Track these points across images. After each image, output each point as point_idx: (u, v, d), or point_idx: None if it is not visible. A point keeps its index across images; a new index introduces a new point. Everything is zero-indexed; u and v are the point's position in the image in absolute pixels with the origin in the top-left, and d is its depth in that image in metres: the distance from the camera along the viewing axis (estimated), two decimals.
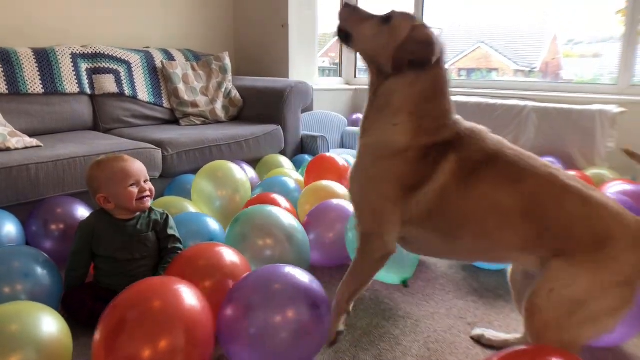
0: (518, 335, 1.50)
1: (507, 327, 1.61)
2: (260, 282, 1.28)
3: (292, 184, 2.45)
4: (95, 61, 3.00)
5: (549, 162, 1.25)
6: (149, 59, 3.25)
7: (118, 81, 3.06)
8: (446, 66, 1.29)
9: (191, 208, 2.13)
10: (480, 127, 1.29)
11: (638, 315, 1.34)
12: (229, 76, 3.49)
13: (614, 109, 2.89)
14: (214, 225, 1.94)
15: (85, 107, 2.95)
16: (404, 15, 1.29)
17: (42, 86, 2.76)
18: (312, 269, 1.94)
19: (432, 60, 1.22)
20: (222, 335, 1.25)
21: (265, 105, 3.30)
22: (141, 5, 3.54)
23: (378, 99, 1.29)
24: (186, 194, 2.36)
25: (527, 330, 1.18)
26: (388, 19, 1.28)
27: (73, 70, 2.89)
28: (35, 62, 2.75)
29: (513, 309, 1.72)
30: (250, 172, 2.73)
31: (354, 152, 3.64)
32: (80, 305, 1.51)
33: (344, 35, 1.34)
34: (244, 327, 1.21)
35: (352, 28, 1.32)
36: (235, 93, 3.44)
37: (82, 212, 2.01)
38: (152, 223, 1.66)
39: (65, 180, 2.15)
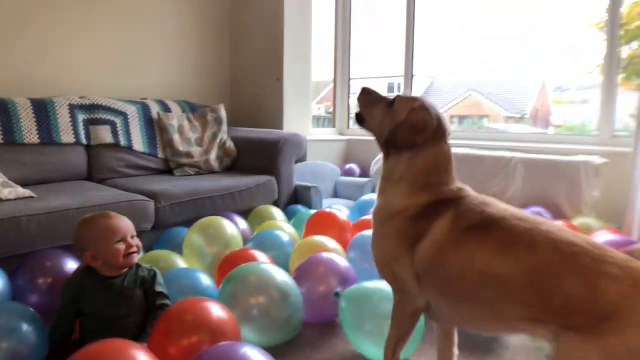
0: None
1: None
2: None
3: (285, 237, 2.44)
4: (93, 112, 3.07)
5: (560, 231, 1.18)
6: (145, 110, 3.33)
7: (114, 132, 3.12)
8: (446, 144, 1.37)
9: (181, 262, 2.12)
10: (491, 198, 1.32)
11: None
12: (224, 127, 3.56)
13: (597, 159, 2.97)
14: (206, 281, 1.93)
15: (80, 157, 2.99)
16: (406, 99, 1.40)
17: (38, 136, 2.80)
18: (302, 328, 1.92)
19: (416, 144, 1.32)
20: None
21: (259, 156, 3.35)
22: (139, 58, 3.65)
23: (385, 172, 1.42)
24: (175, 247, 2.35)
25: None
26: (392, 102, 1.41)
27: (70, 121, 2.95)
28: (33, 113, 2.81)
29: None
30: (242, 224, 2.74)
31: (347, 202, 3.65)
32: None
33: (360, 118, 1.50)
34: None
35: (367, 112, 1.48)
36: (229, 143, 3.50)
37: (71, 265, 2.00)
38: (140, 280, 1.65)
39: (57, 232, 2.15)
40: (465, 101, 6.81)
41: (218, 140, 3.47)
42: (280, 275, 1.81)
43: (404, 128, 1.34)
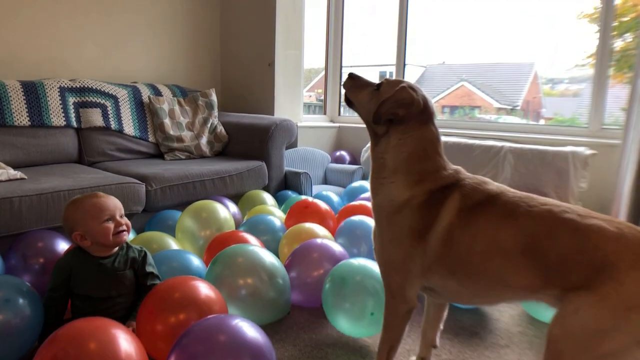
0: None
1: None
2: (206, 332, 1.26)
3: (277, 222, 2.46)
4: (83, 95, 3.06)
5: (554, 201, 1.25)
6: (136, 93, 3.32)
7: (105, 115, 3.11)
8: (433, 127, 1.38)
9: (173, 244, 2.14)
10: (484, 178, 1.36)
11: None
12: (215, 112, 3.56)
13: (586, 150, 3.01)
14: (196, 262, 1.95)
15: (71, 140, 2.98)
16: (393, 82, 1.41)
17: (28, 118, 2.79)
18: (291, 308, 1.96)
19: (400, 116, 1.34)
20: None
21: (250, 142, 3.36)
22: (130, 41, 3.63)
23: (376, 161, 1.42)
24: (167, 229, 2.37)
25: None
26: (379, 86, 1.42)
27: (60, 104, 2.93)
28: (23, 95, 2.79)
29: (487, 346, 1.76)
30: (233, 208, 2.76)
31: (337, 188, 3.68)
32: None
33: (348, 102, 1.51)
34: None
35: (353, 96, 1.49)
36: (220, 129, 3.51)
37: (63, 246, 2.01)
38: (130, 261, 1.66)
39: (49, 213, 2.16)
40: (456, 92, 6.83)
41: (209, 125, 3.47)
42: (268, 257, 1.84)
43: (388, 102, 1.34)
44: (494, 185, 1.32)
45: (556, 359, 1.12)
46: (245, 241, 2.07)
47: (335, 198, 3.16)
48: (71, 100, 3.00)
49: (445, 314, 1.59)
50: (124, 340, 1.21)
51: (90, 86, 3.10)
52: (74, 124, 2.99)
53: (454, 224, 1.27)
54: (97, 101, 3.10)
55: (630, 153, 2.72)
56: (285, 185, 3.42)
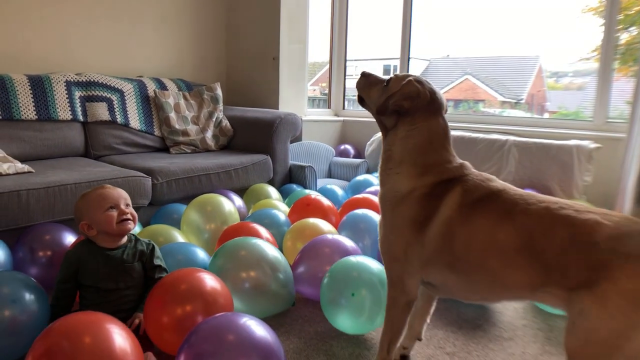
0: None
1: (485, 357, 1.66)
2: (214, 331, 1.26)
3: (282, 217, 2.47)
4: (89, 89, 3.07)
5: (553, 198, 1.23)
6: (141, 87, 3.33)
7: (111, 109, 3.13)
8: (442, 119, 1.39)
9: (179, 237, 2.16)
10: (489, 175, 1.37)
11: None
12: (220, 106, 3.57)
13: (590, 144, 3.00)
14: (202, 255, 1.97)
15: (77, 134, 3.00)
16: (402, 77, 1.42)
17: (35, 112, 2.81)
18: (297, 300, 1.98)
19: (405, 108, 1.35)
20: None
21: (254, 136, 3.37)
22: (136, 36, 3.64)
23: (384, 152, 1.44)
24: (172, 223, 2.39)
25: None
26: (388, 82, 1.44)
27: (67, 98, 2.95)
28: (30, 89, 2.81)
29: (491, 339, 1.77)
30: (238, 201, 2.78)
31: (342, 182, 3.69)
32: None
33: (361, 100, 1.54)
34: None
35: (365, 94, 1.52)
36: (225, 122, 3.52)
37: (70, 239, 2.04)
38: (139, 253, 1.67)
39: (56, 206, 2.19)
40: (461, 85, 6.81)
41: (214, 119, 3.49)
42: (271, 251, 1.86)
43: (395, 95, 1.37)
44: (498, 183, 1.32)
45: None
46: (255, 232, 2.10)
47: (339, 192, 3.17)
48: (77, 94, 3.02)
49: (433, 308, 1.60)
50: (119, 336, 1.20)
51: (96, 80, 3.11)
52: (80, 117, 3.01)
53: (453, 219, 1.28)
54: (103, 95, 3.12)
55: (635, 146, 2.71)
56: (290, 178, 3.44)
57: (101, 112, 3.08)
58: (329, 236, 2.04)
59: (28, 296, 1.52)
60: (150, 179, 2.57)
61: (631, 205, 2.70)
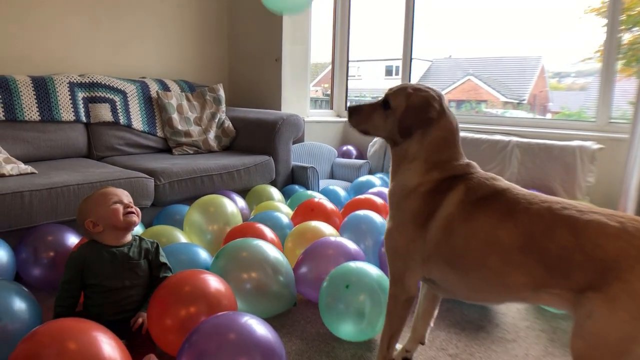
0: None
1: (488, 359, 1.65)
2: (215, 330, 1.26)
3: (284, 219, 2.46)
4: (92, 90, 3.08)
5: (556, 198, 1.22)
6: (144, 89, 3.34)
7: (113, 110, 3.13)
8: (451, 115, 1.39)
9: (182, 238, 2.16)
10: (495, 175, 1.37)
11: None
12: (223, 107, 3.58)
13: (593, 145, 2.99)
14: (204, 255, 1.97)
15: (80, 135, 3.01)
16: (398, 91, 1.41)
17: (38, 113, 2.82)
18: (299, 301, 1.98)
19: (433, 118, 1.35)
20: None
21: (257, 136, 3.37)
22: (138, 37, 3.65)
23: (396, 155, 1.44)
24: (175, 224, 2.39)
25: None
26: (386, 103, 1.42)
27: (70, 99, 2.96)
28: (33, 90, 2.82)
29: (494, 340, 1.77)
30: (240, 202, 2.78)
31: (344, 183, 3.69)
32: None
33: (364, 132, 1.51)
34: None
35: (365, 127, 1.48)
36: (228, 124, 3.52)
37: (73, 240, 2.05)
38: (144, 251, 1.69)
39: (58, 207, 2.19)
40: (463, 86, 6.81)
41: (217, 120, 3.49)
42: (273, 252, 1.86)
43: (410, 113, 1.35)
44: (503, 182, 1.32)
45: None
46: (260, 233, 2.11)
47: (342, 193, 3.17)
48: (80, 95, 3.03)
49: (437, 311, 1.60)
50: (107, 345, 1.15)
51: (99, 81, 3.12)
52: (83, 119, 3.02)
53: (454, 215, 1.28)
54: (106, 96, 3.12)
55: (638, 147, 2.71)
56: (293, 179, 3.44)
57: (104, 113, 3.09)
58: (332, 238, 2.03)
59: (19, 305, 1.50)
60: (152, 180, 2.57)
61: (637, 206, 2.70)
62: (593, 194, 3.04)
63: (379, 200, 2.66)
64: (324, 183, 3.55)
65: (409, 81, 4.23)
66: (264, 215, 2.48)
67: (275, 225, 2.37)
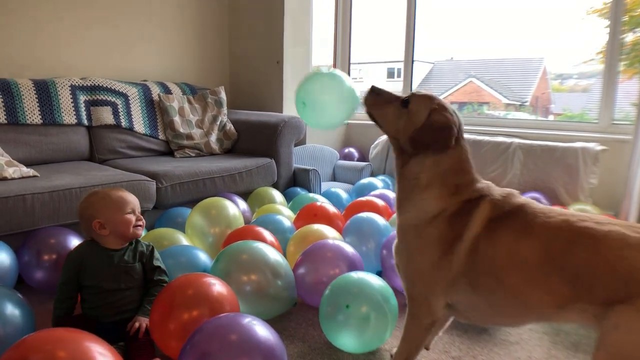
0: None
1: None
2: (216, 331, 1.26)
3: (286, 223, 2.45)
4: (94, 93, 3.08)
5: (572, 211, 1.21)
6: (146, 91, 3.34)
7: (115, 113, 3.14)
8: (465, 142, 1.38)
9: (184, 241, 2.16)
10: (512, 190, 1.35)
11: None
12: (224, 110, 3.58)
13: (596, 146, 2.98)
14: (203, 257, 1.97)
15: (82, 138, 3.02)
16: (423, 98, 1.37)
17: (40, 117, 2.82)
18: (301, 304, 1.98)
19: (449, 145, 1.32)
20: None
21: (259, 139, 3.37)
22: (140, 40, 3.65)
23: (405, 180, 1.38)
24: (176, 226, 2.40)
25: None
26: (407, 102, 1.37)
27: (72, 102, 2.96)
28: (35, 93, 2.82)
29: (497, 343, 1.76)
30: (242, 205, 2.78)
31: (346, 185, 3.68)
32: None
33: (371, 117, 1.46)
34: None
35: (376, 112, 1.43)
36: (230, 126, 3.52)
37: (75, 242, 2.04)
38: (139, 254, 1.70)
39: (60, 210, 2.19)
40: (465, 88, 6.80)
41: (218, 123, 3.49)
42: (272, 254, 1.86)
43: (430, 131, 1.32)
44: (520, 198, 1.31)
45: None
46: (260, 235, 2.10)
47: (344, 195, 3.16)
48: (82, 98, 3.03)
49: (448, 323, 1.59)
50: (101, 356, 1.06)
51: (100, 84, 3.13)
52: (85, 122, 3.03)
53: (480, 235, 1.26)
54: (108, 99, 3.13)
55: None
56: (294, 182, 3.43)
57: (106, 116, 3.09)
58: (330, 241, 2.02)
59: (11, 310, 1.49)
60: (154, 183, 2.57)
61: None
62: (596, 196, 3.02)
63: (380, 203, 2.65)
64: (325, 185, 3.55)
65: (411, 83, 4.22)
66: (266, 218, 2.48)
67: (277, 229, 2.36)
